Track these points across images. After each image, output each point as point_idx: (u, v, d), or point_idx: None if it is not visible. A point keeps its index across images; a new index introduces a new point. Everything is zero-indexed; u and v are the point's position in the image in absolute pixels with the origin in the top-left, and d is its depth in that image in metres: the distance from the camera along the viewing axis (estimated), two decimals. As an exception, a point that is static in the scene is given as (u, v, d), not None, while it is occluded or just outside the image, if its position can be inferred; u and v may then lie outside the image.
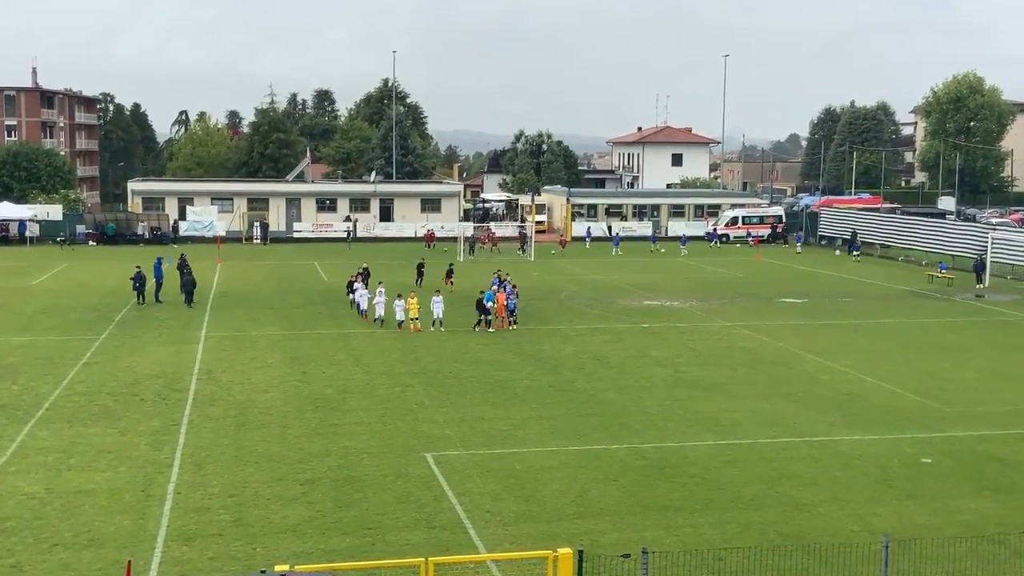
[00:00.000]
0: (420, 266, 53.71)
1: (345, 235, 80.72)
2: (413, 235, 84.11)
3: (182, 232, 80.00)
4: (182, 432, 25.68)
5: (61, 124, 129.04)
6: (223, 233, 79.66)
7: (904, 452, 24.51)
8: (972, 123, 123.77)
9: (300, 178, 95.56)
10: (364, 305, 42.93)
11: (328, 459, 23.55)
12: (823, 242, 79.70)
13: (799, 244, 78.19)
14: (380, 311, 41.73)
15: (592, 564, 15.40)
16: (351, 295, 45.14)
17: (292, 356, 35.32)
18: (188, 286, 47.07)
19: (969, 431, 26.42)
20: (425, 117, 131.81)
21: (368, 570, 15.95)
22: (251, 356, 35.26)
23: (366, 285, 44.86)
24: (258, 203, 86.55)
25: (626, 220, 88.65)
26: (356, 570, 15.97)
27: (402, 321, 40.26)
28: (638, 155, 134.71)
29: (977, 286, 55.73)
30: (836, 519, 20.06)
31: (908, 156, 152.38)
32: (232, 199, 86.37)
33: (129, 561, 15.06)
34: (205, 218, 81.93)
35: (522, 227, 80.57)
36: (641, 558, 14.09)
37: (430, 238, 77.14)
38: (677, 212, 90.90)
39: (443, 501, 20.84)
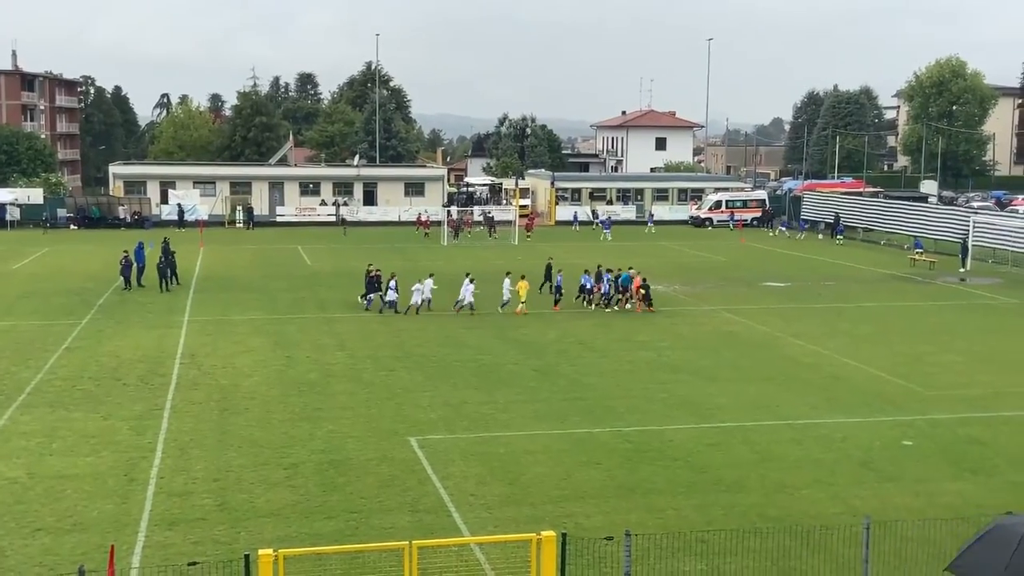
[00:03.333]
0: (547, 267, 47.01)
1: (335, 220, 80.00)
2: (397, 219, 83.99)
3: (164, 216, 79.45)
4: (165, 416, 25.60)
5: (42, 107, 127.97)
6: (206, 217, 79.30)
7: (886, 435, 24.66)
8: (954, 107, 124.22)
9: (283, 162, 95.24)
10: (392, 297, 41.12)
11: (312, 443, 23.54)
12: (805, 226, 79.88)
13: (784, 229, 78.29)
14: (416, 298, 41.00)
15: (576, 547, 15.46)
16: (370, 295, 41.95)
17: (276, 340, 35.23)
18: (163, 271, 46.28)
19: (950, 414, 26.60)
20: (409, 101, 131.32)
21: (352, 554, 15.97)
22: (234, 340, 35.15)
23: (377, 286, 42.10)
24: (241, 187, 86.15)
25: (611, 204, 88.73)
26: (340, 554, 15.98)
27: (419, 304, 40.46)
28: (622, 139, 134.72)
29: (960, 269, 56.02)
30: (818, 501, 20.19)
31: (891, 140, 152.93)
32: (215, 183, 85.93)
33: (112, 546, 15.05)
34: (188, 202, 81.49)
35: (488, 212, 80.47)
36: (624, 540, 14.16)
37: (423, 223, 76.30)
38: (661, 196, 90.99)
39: (427, 485, 20.87)
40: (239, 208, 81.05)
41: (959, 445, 24.00)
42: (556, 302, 42.31)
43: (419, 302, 40.66)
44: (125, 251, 47.47)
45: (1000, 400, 28.12)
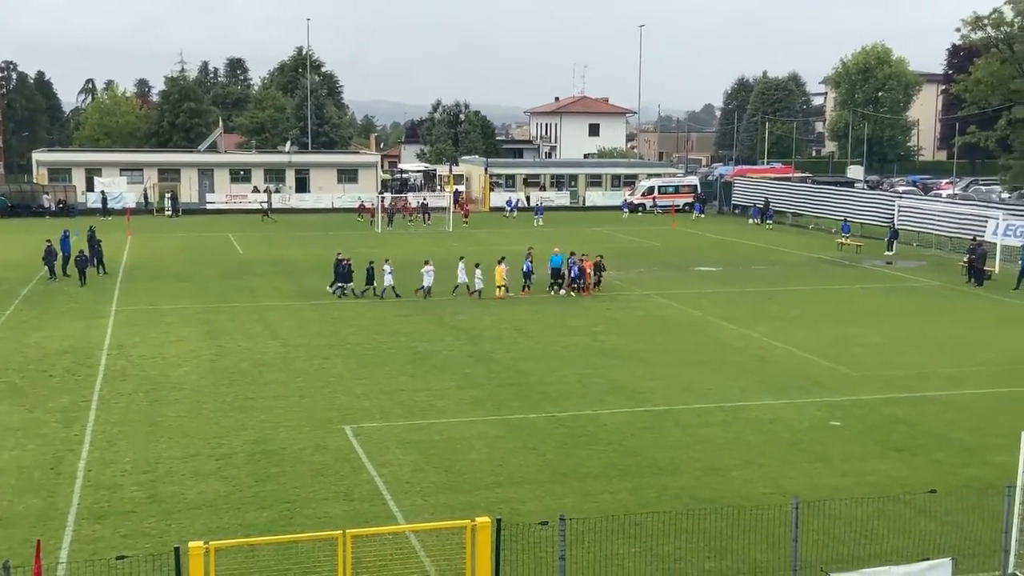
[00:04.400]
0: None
1: (261, 207, 79.04)
2: (330, 206, 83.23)
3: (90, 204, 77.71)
4: (93, 408, 25.11)
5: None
6: (133, 205, 77.81)
7: (814, 416, 25.12)
8: (880, 93, 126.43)
9: (212, 148, 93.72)
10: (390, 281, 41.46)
11: (244, 433, 23.27)
12: (736, 211, 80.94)
13: (699, 212, 79.89)
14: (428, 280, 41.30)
15: (511, 532, 15.50)
16: (340, 284, 41.57)
17: (206, 330, 34.74)
18: (81, 265, 44.16)
19: (876, 394, 27.17)
20: (341, 86, 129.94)
21: (285, 544, 15.83)
22: (164, 330, 34.59)
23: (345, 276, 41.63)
24: (169, 174, 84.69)
25: (544, 190, 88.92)
26: (273, 544, 15.84)
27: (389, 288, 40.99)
28: (556, 125, 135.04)
29: (886, 253, 57.20)
30: (749, 482, 20.50)
31: (819, 126, 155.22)
32: (142, 170, 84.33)
33: (38, 541, 14.71)
34: (114, 189, 79.82)
35: (422, 199, 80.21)
36: (559, 525, 14.23)
37: (366, 210, 75.40)
38: (594, 182, 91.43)
39: (362, 473, 20.77)
40: (167, 196, 79.59)
41: (885, 425, 24.53)
42: (525, 287, 42.49)
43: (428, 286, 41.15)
44: (48, 240, 46.35)
45: (924, 380, 28.79)
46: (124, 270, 48.56)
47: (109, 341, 32.79)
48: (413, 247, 56.34)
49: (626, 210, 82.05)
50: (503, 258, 42.40)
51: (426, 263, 41.80)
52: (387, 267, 41.55)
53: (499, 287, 41.45)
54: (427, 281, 41.13)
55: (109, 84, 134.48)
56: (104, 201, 76.38)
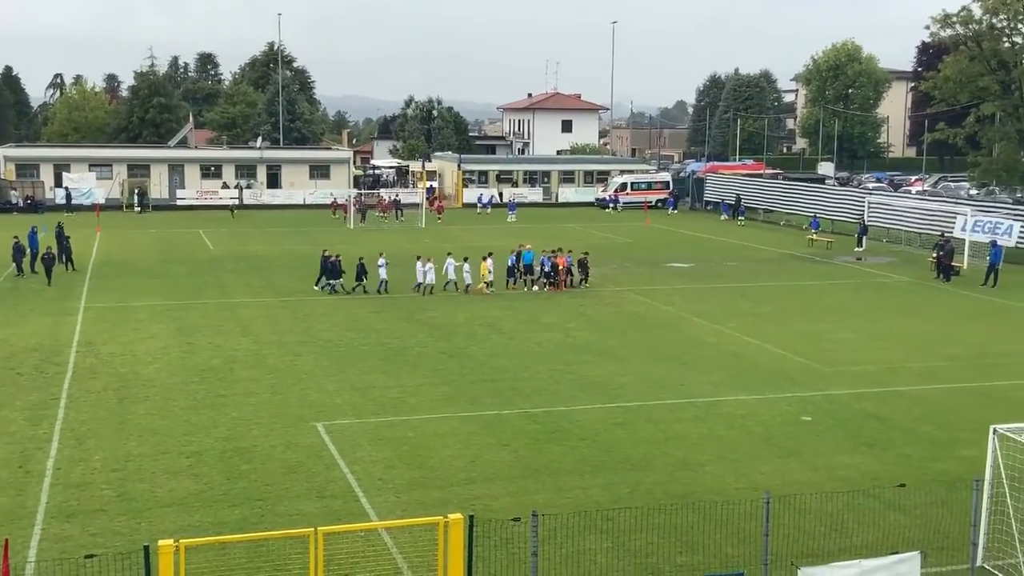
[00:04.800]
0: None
1: (230, 203, 78.47)
2: (302, 202, 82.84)
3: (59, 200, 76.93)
4: (61, 406, 24.86)
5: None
6: (102, 201, 77.12)
7: (786, 411, 25.27)
8: (850, 90, 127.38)
9: (183, 144, 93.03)
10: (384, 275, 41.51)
11: (215, 431, 23.12)
12: (708, 207, 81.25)
13: (672, 208, 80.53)
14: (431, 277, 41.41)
15: (483, 528, 15.49)
16: (331, 281, 41.38)
17: (177, 326, 34.49)
18: (48, 263, 43.11)
19: (847, 389, 27.37)
20: (313, 82, 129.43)
21: (256, 542, 15.74)
22: (134, 327, 34.30)
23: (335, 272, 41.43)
24: (139, 169, 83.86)
25: (517, 187, 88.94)
26: (244, 542, 15.74)
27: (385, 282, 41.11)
28: (528, 121, 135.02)
29: (856, 249, 57.61)
30: (721, 477, 20.60)
31: (790, 123, 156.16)
32: (111, 165, 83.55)
33: (7, 540, 14.56)
34: (83, 185, 79.08)
35: (395, 195, 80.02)
36: (531, 521, 14.23)
37: (340, 207, 74.84)
38: (567, 178, 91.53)
39: (334, 470, 20.69)
40: (136, 191, 78.89)
41: (856, 420, 24.71)
42: (514, 281, 42.74)
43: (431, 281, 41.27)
44: (16, 237, 45.84)
45: (894, 375, 29.04)
46: (93, 267, 48.12)
47: (78, 338, 32.48)
48: (386, 244, 56.11)
49: (613, 205, 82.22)
50: (490, 254, 42.55)
51: (428, 260, 41.81)
52: (381, 260, 41.52)
53: (484, 283, 41.51)
54: (430, 278, 41.18)
55: (78, 79, 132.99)
56: (68, 197, 75.64)
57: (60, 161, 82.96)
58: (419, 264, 41.56)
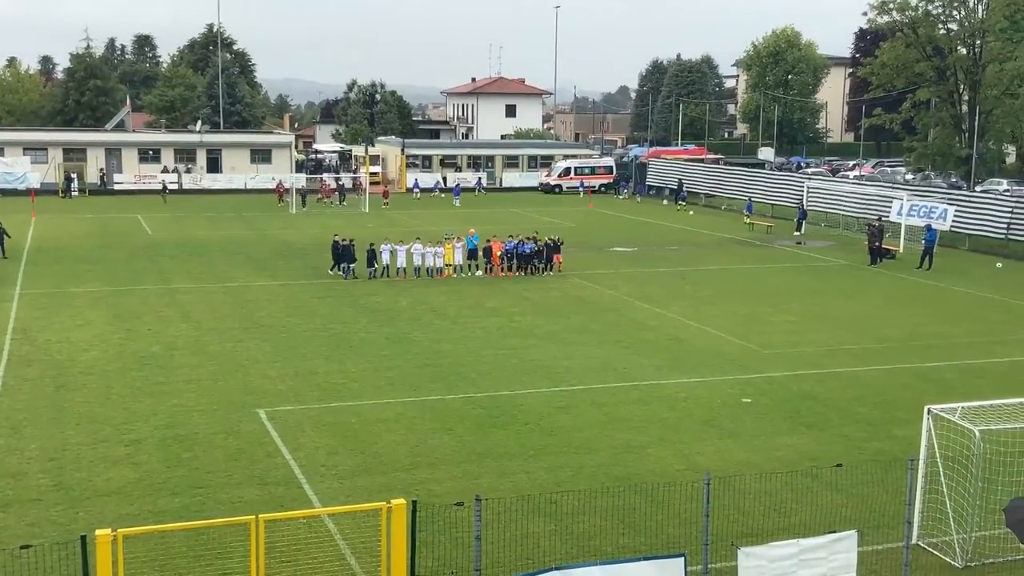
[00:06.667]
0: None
1: (162, 187, 77.07)
2: (243, 187, 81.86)
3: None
4: (-5, 395, 24.37)
5: None
6: (37, 185, 75.53)
7: (726, 393, 25.58)
8: (790, 76, 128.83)
9: (120, 127, 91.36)
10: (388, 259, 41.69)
11: (155, 418, 22.82)
12: (651, 192, 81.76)
13: (626, 193, 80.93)
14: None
15: (426, 513, 15.49)
16: (344, 264, 41.23)
17: (115, 313, 33.95)
18: None
19: (786, 371, 27.77)
20: (253, 64, 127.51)
21: (198, 530, 15.58)
22: (70, 314, 33.69)
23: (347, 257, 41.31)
24: (75, 153, 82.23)
25: (460, 171, 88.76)
26: (183, 530, 15.58)
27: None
28: (472, 106, 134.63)
29: (795, 233, 58.37)
30: (663, 459, 20.81)
31: (731, 108, 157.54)
32: (46, 149, 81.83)
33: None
34: (17, 169, 77.35)
35: (338, 178, 79.49)
36: (475, 505, 14.25)
37: (285, 191, 73.91)
38: (511, 163, 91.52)
39: (277, 457, 20.54)
40: (72, 175, 77.34)
41: (794, 401, 25.09)
42: (492, 267, 42.87)
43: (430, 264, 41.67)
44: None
45: (832, 357, 29.51)
46: (28, 252, 47.16)
47: (13, 325, 31.83)
48: (329, 228, 55.63)
49: (558, 190, 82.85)
50: (456, 237, 43.08)
51: (428, 244, 42.33)
52: (385, 246, 41.66)
53: (448, 266, 41.91)
54: (429, 261, 41.60)
55: (11, 61, 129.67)
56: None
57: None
58: (418, 246, 42.13)
